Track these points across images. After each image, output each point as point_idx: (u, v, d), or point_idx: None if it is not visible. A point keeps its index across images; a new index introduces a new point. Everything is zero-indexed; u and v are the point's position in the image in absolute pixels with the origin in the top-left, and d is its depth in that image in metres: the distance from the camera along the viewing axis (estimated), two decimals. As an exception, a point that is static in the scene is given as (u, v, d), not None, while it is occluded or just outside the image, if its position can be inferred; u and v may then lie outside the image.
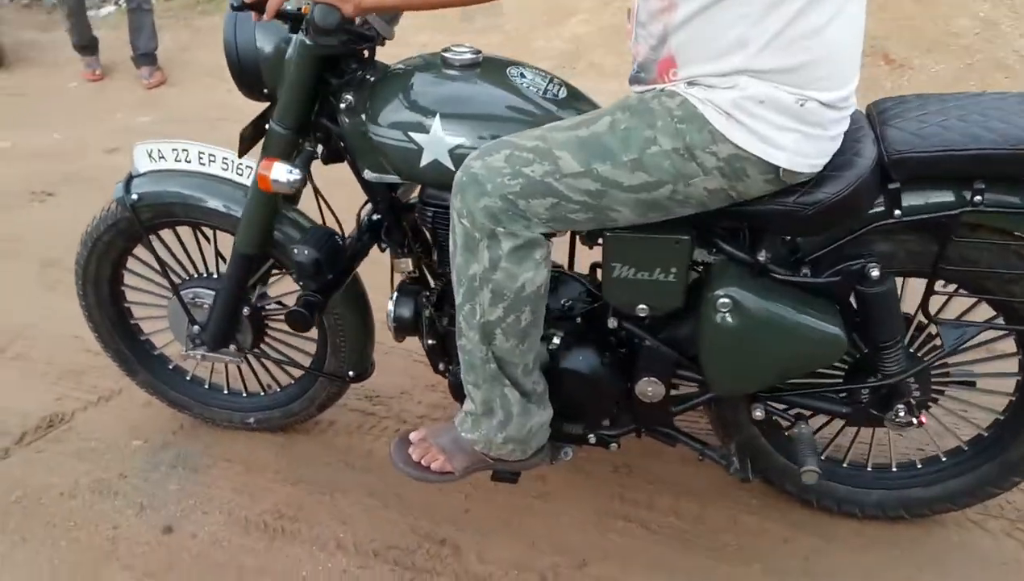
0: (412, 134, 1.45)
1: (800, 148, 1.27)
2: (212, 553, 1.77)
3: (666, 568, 1.71)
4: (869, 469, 1.80)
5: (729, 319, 1.41)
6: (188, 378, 2.10)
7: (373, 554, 1.76)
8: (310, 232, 1.64)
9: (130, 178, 1.75)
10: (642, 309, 1.50)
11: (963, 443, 1.74)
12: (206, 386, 2.10)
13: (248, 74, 1.54)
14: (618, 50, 4.51)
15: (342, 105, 1.51)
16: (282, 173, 1.48)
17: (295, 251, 1.57)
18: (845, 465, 1.80)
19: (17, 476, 1.99)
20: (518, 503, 1.87)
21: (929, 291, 1.46)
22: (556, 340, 1.58)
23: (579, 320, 1.61)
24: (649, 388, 1.58)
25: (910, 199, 1.40)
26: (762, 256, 1.44)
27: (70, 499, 1.92)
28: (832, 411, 1.63)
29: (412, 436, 1.61)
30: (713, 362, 1.49)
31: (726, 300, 1.40)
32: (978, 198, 1.35)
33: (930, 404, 1.60)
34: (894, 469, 1.79)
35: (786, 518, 1.82)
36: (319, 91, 1.53)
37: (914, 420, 1.55)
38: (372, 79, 1.53)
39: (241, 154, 1.60)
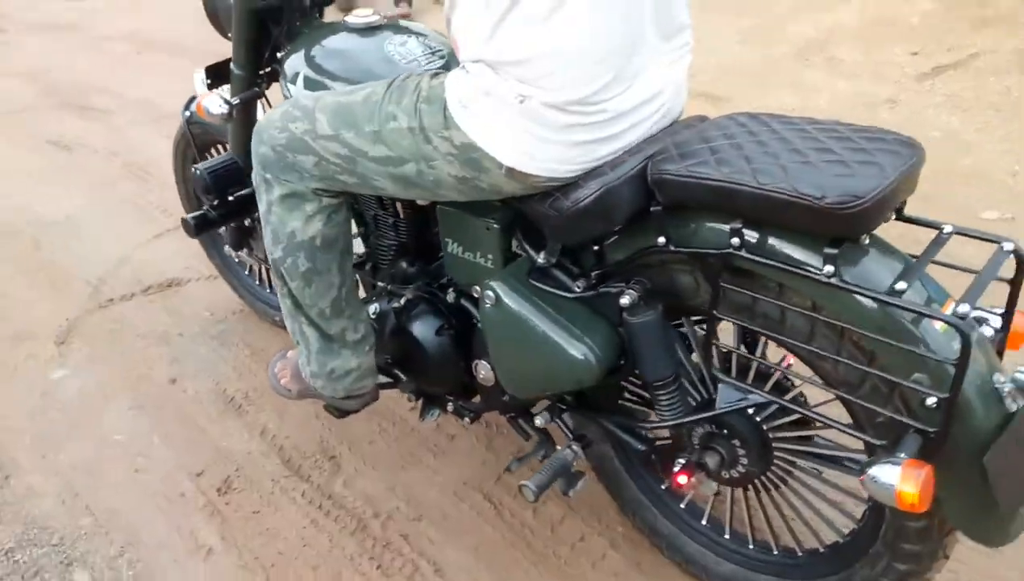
0: (289, 85, 1.64)
1: (526, 148, 1.22)
2: (199, 403, 2.20)
3: (485, 556, 1.72)
4: (727, 536, 1.59)
5: (491, 312, 1.40)
6: (246, 271, 2.53)
7: (278, 448, 2.03)
8: (221, 157, 1.91)
9: (191, 99, 2.18)
10: (475, 289, 1.53)
11: (821, 544, 1.46)
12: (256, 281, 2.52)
13: (214, 16, 1.84)
14: (868, 48, 3.99)
15: (279, 54, 1.75)
16: (212, 103, 1.77)
17: (195, 170, 1.86)
18: (704, 522, 1.62)
19: (120, 312, 2.63)
20: (416, 451, 2.00)
21: (708, 336, 1.27)
22: (402, 301, 1.67)
23: (428, 288, 1.67)
24: (482, 371, 1.60)
25: (679, 228, 1.24)
26: (542, 257, 1.39)
27: (144, 338, 2.49)
28: (621, 442, 1.50)
29: (289, 353, 1.83)
30: (490, 355, 1.48)
31: (490, 292, 1.39)
32: (735, 240, 1.16)
33: (742, 472, 1.38)
34: (751, 546, 1.56)
35: (636, 555, 1.70)
36: (267, 38, 1.78)
37: (686, 480, 1.36)
38: (306, 32, 1.74)
39: (210, 88, 1.92)
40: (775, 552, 1.53)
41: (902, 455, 1.06)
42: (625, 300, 1.28)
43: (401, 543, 1.77)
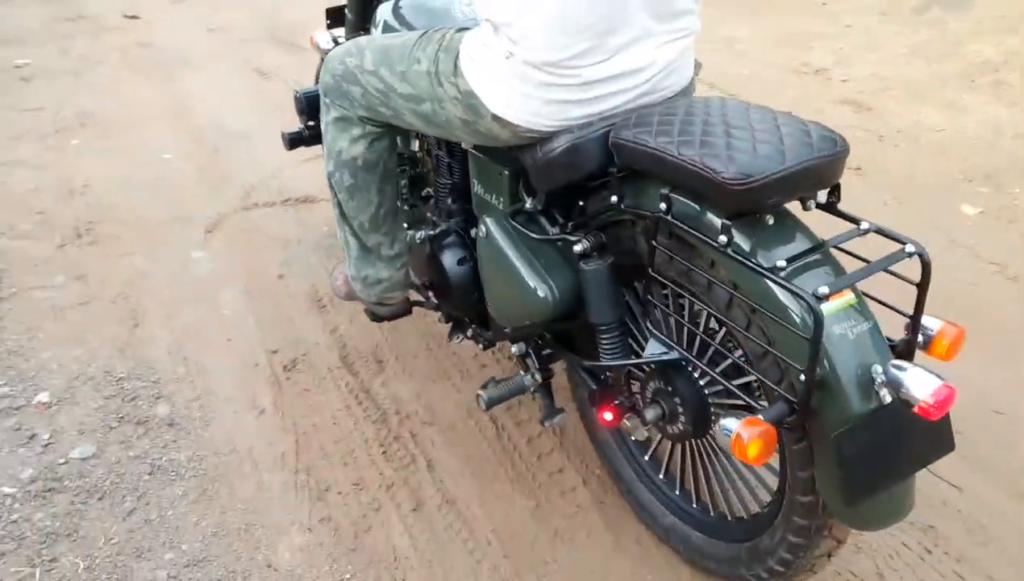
0: (374, 29, 1.92)
1: (510, 100, 1.41)
2: (293, 298, 2.59)
3: (473, 464, 1.96)
4: (677, 492, 1.72)
5: (482, 243, 1.61)
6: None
7: (341, 345, 2.37)
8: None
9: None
10: None
11: (746, 512, 1.56)
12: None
13: None
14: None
15: (378, 4, 2.03)
16: (322, 39, 2.09)
17: (295, 93, 2.18)
18: (661, 476, 1.75)
19: (260, 215, 3.08)
20: (448, 370, 2.26)
21: (646, 291, 1.40)
22: (437, 231, 1.91)
23: (460, 223, 1.90)
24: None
25: (629, 190, 1.39)
26: (530, 202, 1.58)
27: (270, 239, 2.92)
28: (577, 378, 1.66)
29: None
30: (484, 285, 1.69)
31: (483, 226, 1.60)
32: (663, 205, 1.29)
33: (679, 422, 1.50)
34: (694, 504, 1.68)
35: (602, 495, 1.86)
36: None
37: (611, 417, 1.52)
38: None
39: (330, 27, 2.24)
40: (711, 513, 1.64)
41: (759, 416, 1.17)
42: (578, 248, 1.45)
43: (408, 439, 2.04)
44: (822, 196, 1.30)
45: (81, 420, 2.11)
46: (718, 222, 1.22)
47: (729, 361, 1.36)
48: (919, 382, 1.11)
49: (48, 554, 1.75)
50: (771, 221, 1.24)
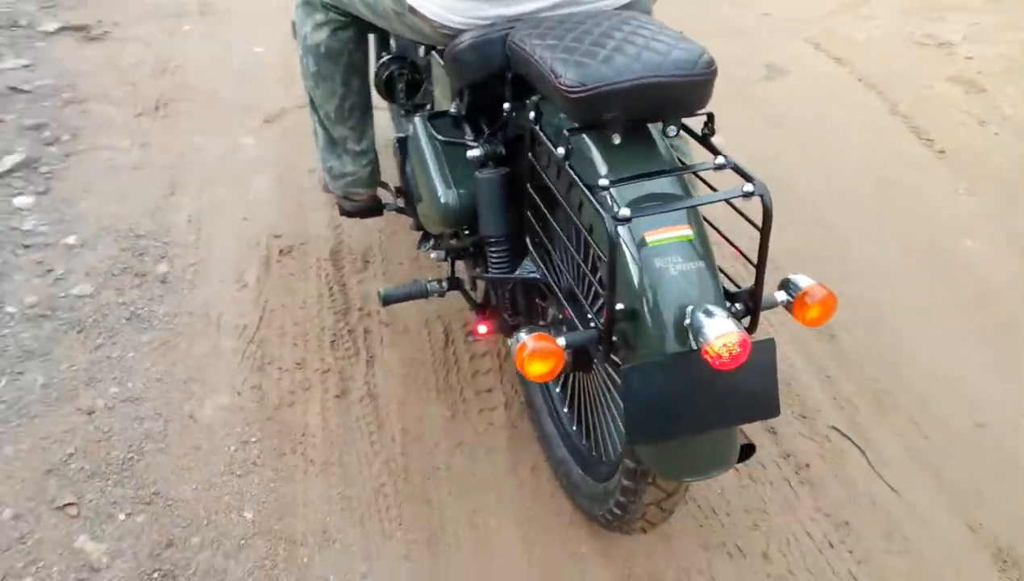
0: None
1: None
2: (313, 193, 2.70)
3: (410, 367, 2.01)
4: (574, 427, 1.69)
5: (408, 143, 1.63)
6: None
7: (338, 240, 2.46)
8: None
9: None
10: None
11: (614, 451, 1.52)
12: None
13: None
14: None
15: None
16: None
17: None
18: (565, 409, 1.73)
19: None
20: (426, 268, 2.30)
21: (525, 205, 1.37)
22: (404, 134, 1.93)
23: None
24: None
25: (519, 97, 1.35)
26: (453, 106, 1.57)
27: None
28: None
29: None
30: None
31: (411, 127, 1.61)
32: (533, 113, 1.26)
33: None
34: (584, 441, 1.65)
35: (517, 420, 1.86)
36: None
37: (484, 331, 1.51)
38: None
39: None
40: (593, 452, 1.61)
41: (556, 335, 1.13)
42: (471, 153, 1.43)
43: (360, 334, 2.11)
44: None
45: (92, 265, 2.32)
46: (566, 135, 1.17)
47: (582, 285, 1.31)
48: (714, 327, 1.03)
49: (19, 368, 1.97)
50: (617, 140, 1.18)
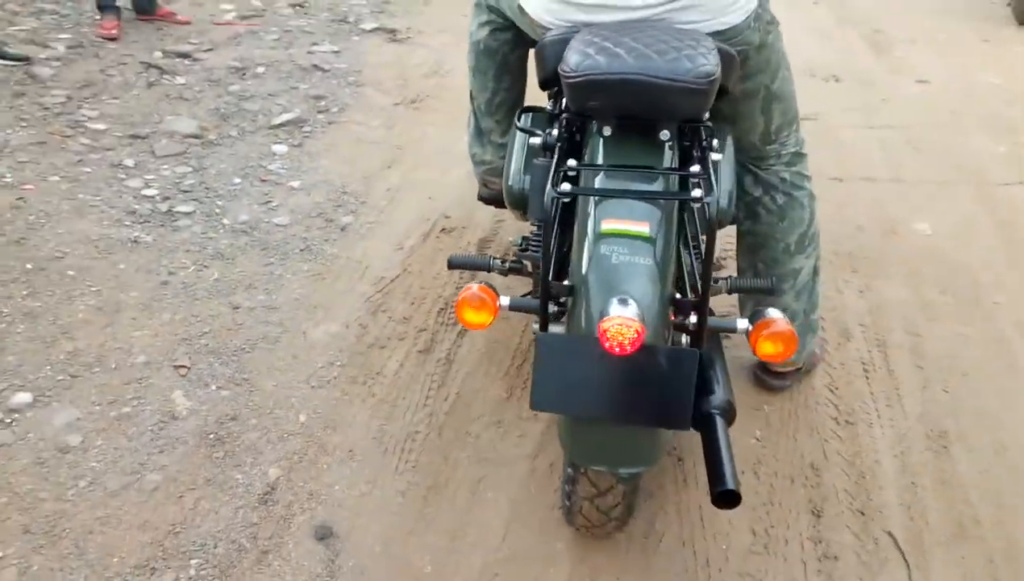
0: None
1: None
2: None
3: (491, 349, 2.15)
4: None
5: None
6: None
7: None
8: None
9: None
10: None
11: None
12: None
13: None
14: None
15: None
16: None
17: None
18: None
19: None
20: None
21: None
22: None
23: None
24: None
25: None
26: (551, 103, 1.70)
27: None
28: None
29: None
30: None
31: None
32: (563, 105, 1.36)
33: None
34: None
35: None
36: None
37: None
38: None
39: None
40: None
41: (500, 294, 1.23)
42: (532, 140, 1.55)
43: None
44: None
45: (299, 204, 2.77)
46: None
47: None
48: (615, 311, 1.06)
49: (206, 263, 2.44)
50: (608, 131, 1.24)
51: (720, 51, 1.40)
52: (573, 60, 1.21)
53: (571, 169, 1.24)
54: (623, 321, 1.05)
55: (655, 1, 1.43)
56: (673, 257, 1.19)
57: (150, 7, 4.17)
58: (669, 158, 1.24)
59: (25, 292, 2.24)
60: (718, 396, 1.63)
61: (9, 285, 2.26)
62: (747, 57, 1.59)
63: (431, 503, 1.73)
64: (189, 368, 2.04)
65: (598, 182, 1.21)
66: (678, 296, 1.19)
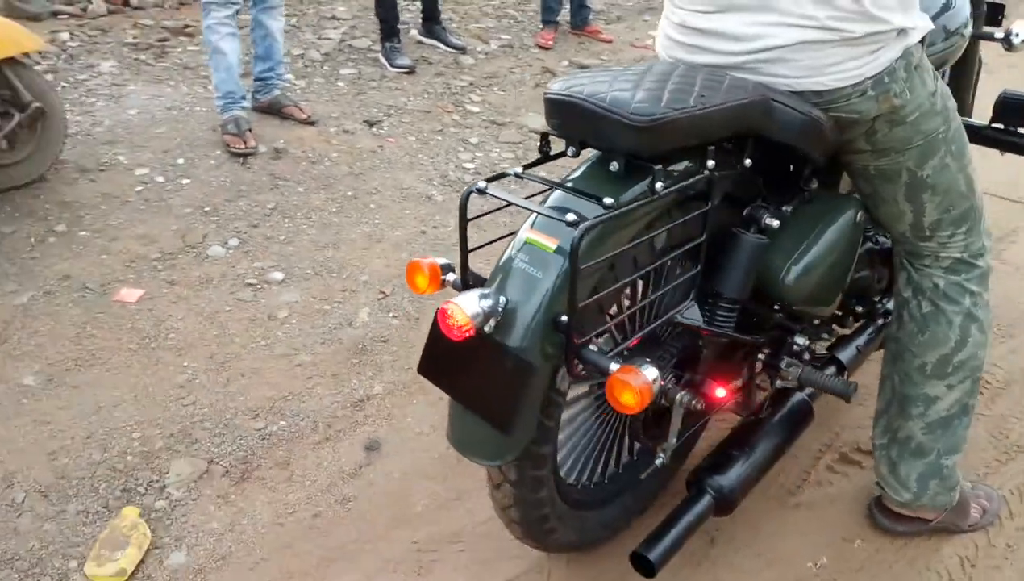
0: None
1: (660, 25, 1.63)
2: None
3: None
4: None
5: None
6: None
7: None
8: None
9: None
10: None
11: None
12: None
13: None
14: None
15: None
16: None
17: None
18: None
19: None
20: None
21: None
22: None
23: None
24: None
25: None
26: None
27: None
28: None
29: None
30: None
31: None
32: None
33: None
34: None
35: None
36: None
37: None
38: None
39: None
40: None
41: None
42: None
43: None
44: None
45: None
46: None
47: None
48: (464, 299, 1.16)
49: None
50: (570, 151, 1.28)
51: (785, 109, 1.32)
52: (560, 82, 1.28)
53: (517, 174, 1.31)
54: (458, 307, 1.14)
55: (745, 49, 1.37)
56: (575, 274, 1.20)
57: (581, 23, 4.77)
58: (616, 190, 1.23)
59: (334, 209, 2.93)
60: (728, 478, 1.53)
61: (328, 201, 2.97)
62: (873, 131, 1.42)
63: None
64: (388, 296, 2.48)
65: (549, 198, 1.27)
66: (563, 318, 1.19)
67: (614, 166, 1.26)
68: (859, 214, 1.54)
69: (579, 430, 1.56)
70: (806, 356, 1.67)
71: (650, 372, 1.14)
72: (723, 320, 1.45)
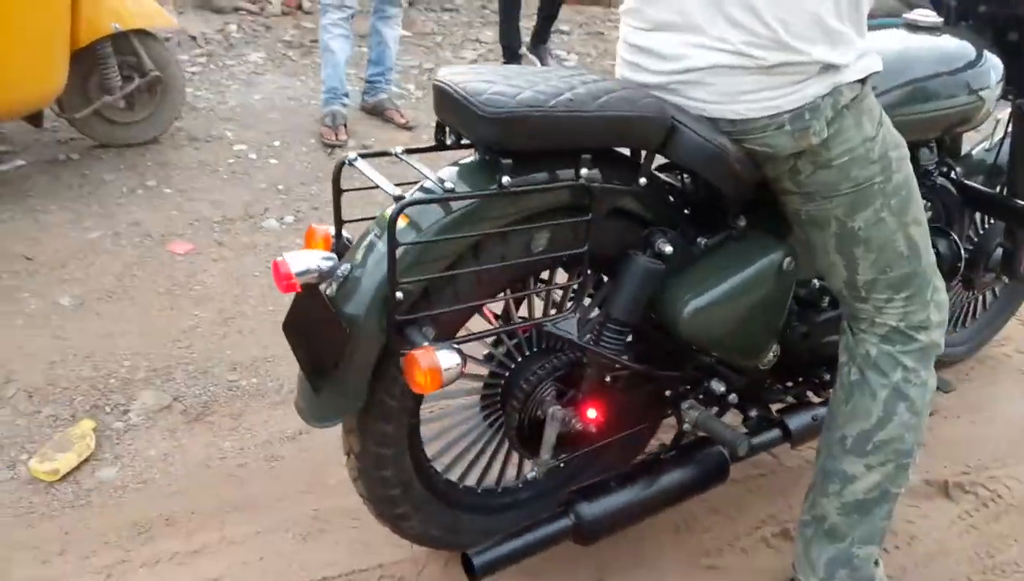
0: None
1: None
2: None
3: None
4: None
5: None
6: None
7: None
8: None
9: None
10: None
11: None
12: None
13: None
14: None
15: None
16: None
17: None
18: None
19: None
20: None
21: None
22: None
23: None
24: None
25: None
26: None
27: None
28: None
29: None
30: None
31: None
32: None
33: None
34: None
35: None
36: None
37: None
38: None
39: None
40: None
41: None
42: None
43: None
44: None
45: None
46: None
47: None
48: (301, 252, 1.22)
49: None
50: (450, 140, 1.30)
51: (690, 134, 1.28)
52: (449, 69, 1.31)
53: (396, 154, 1.33)
54: (284, 262, 1.20)
55: (669, 69, 1.33)
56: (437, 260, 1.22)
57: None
58: (473, 180, 1.22)
59: (392, 206, 3.06)
60: (594, 508, 1.47)
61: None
62: (796, 170, 1.34)
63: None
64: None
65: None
66: (399, 295, 1.20)
67: (475, 156, 1.27)
68: (786, 261, 1.44)
69: (465, 428, 1.55)
70: (733, 403, 1.58)
71: (446, 357, 1.13)
72: (609, 342, 1.40)
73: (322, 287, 1.24)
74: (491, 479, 1.62)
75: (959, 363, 2.35)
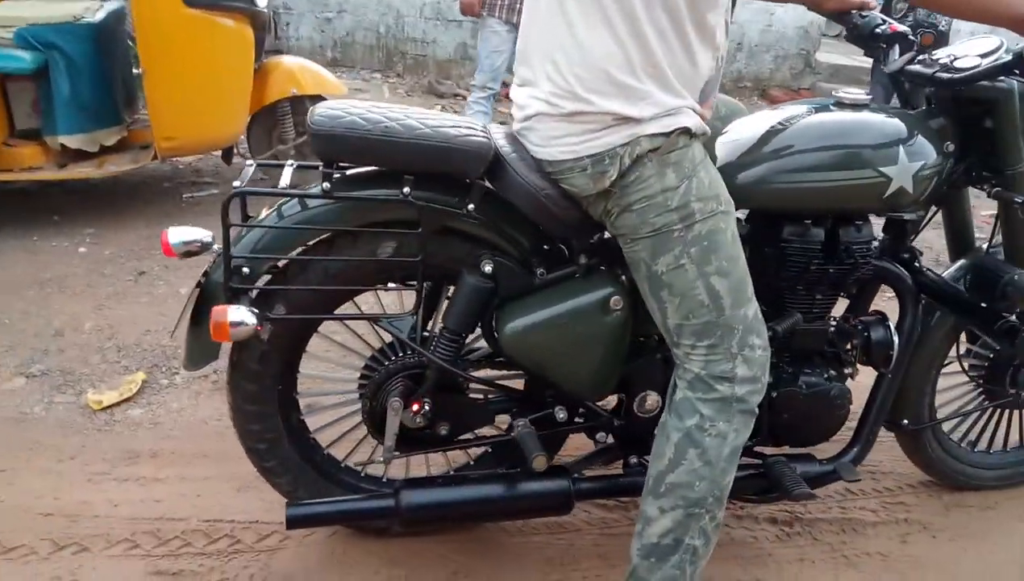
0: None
1: None
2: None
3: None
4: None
5: None
6: None
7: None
8: None
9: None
10: None
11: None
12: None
13: None
14: None
15: None
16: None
17: None
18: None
19: None
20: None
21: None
22: None
23: None
24: None
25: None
26: None
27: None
28: None
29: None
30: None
31: None
32: None
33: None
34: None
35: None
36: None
37: None
38: None
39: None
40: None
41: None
42: None
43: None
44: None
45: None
46: None
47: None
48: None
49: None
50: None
51: (510, 170, 1.47)
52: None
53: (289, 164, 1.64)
54: (166, 232, 1.52)
55: (520, 117, 1.52)
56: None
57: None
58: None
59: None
60: (415, 496, 1.64)
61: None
62: (608, 212, 1.46)
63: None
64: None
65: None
66: (245, 270, 1.49)
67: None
68: (613, 299, 1.53)
69: (347, 411, 1.78)
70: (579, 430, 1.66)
71: (236, 314, 1.39)
72: (442, 348, 1.58)
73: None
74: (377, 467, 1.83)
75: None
